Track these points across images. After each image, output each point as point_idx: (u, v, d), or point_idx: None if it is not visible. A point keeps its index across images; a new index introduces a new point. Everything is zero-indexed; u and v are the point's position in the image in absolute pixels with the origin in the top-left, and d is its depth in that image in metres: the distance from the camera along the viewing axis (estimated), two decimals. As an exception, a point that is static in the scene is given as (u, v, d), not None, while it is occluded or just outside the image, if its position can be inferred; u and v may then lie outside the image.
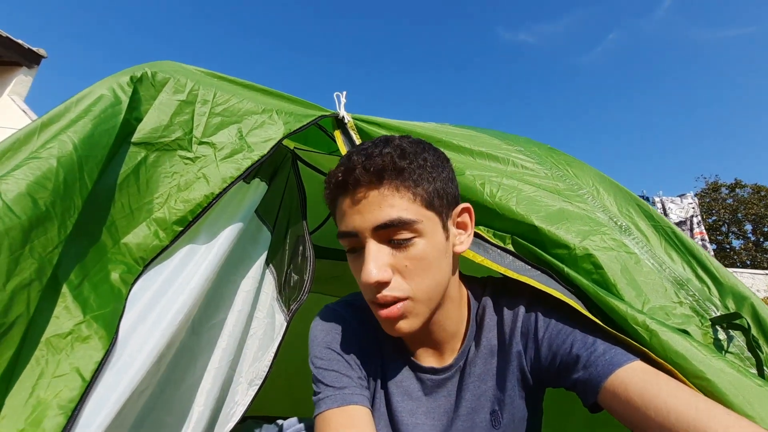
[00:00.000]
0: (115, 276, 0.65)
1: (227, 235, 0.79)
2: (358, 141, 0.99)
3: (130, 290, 0.66)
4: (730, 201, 19.62)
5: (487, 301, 0.72)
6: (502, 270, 0.70)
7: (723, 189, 20.06)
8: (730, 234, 19.98)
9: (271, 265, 0.98)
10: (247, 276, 0.88)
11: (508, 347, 0.68)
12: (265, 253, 0.93)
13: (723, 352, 0.62)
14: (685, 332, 0.62)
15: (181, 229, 0.71)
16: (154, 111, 0.74)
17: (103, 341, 0.60)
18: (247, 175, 0.81)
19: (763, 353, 0.60)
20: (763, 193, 19.14)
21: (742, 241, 19.74)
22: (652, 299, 0.66)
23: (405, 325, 0.61)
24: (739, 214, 18.98)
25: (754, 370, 0.60)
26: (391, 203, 0.58)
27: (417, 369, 0.72)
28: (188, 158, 0.76)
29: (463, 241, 0.66)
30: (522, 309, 0.68)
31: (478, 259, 0.73)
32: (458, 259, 0.70)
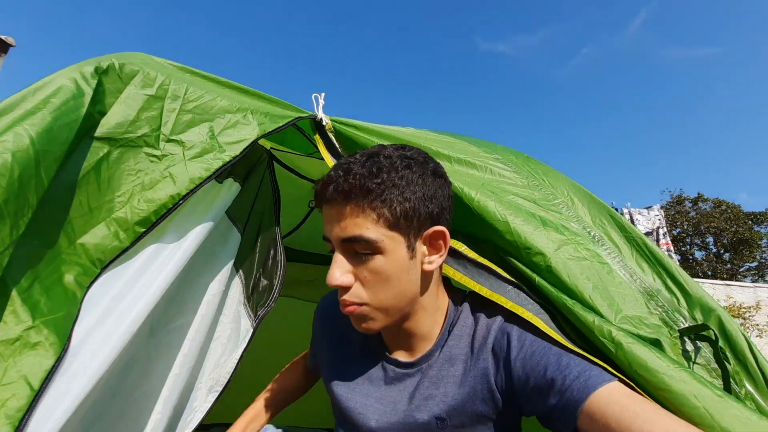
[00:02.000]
0: (69, 278, 0.61)
1: (195, 235, 0.76)
2: (337, 144, 0.98)
3: (85, 293, 0.62)
4: (693, 214, 20.54)
5: (464, 312, 0.74)
6: (477, 288, 0.73)
7: (687, 202, 21.00)
8: (693, 245, 20.91)
9: (239, 268, 0.95)
10: (214, 279, 0.85)
11: (475, 360, 0.68)
12: (234, 255, 0.89)
13: (691, 362, 0.64)
14: (656, 341, 0.63)
15: (143, 230, 0.68)
16: (120, 105, 0.70)
17: (55, 347, 0.56)
18: (218, 176, 0.78)
19: (730, 364, 0.61)
20: (723, 208, 20.14)
21: (704, 253, 20.70)
22: (624, 309, 0.67)
23: (366, 325, 0.68)
24: (702, 227, 19.89)
25: (719, 381, 0.62)
26: (355, 222, 0.63)
27: (384, 358, 0.77)
28: (155, 156, 0.72)
29: (432, 261, 0.68)
30: (496, 325, 0.69)
31: (458, 276, 0.75)
32: (436, 275, 0.73)
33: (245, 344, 0.89)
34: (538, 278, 0.70)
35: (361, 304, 0.65)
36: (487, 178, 0.88)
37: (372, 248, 0.63)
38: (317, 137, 0.99)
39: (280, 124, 0.87)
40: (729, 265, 19.87)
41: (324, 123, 0.99)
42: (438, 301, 0.74)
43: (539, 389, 0.60)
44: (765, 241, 19.52)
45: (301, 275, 1.78)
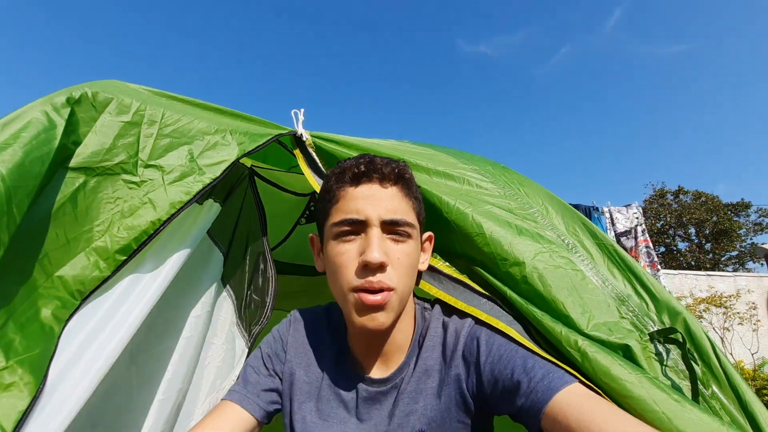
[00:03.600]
0: (46, 313, 0.60)
1: (175, 260, 0.76)
2: (317, 159, 0.99)
3: (64, 327, 0.61)
4: (675, 206, 20.99)
5: (433, 321, 0.75)
6: (452, 302, 0.75)
7: (669, 195, 21.45)
8: (677, 237, 21.36)
9: (229, 287, 0.95)
10: (198, 301, 0.84)
11: (448, 369, 0.70)
12: (218, 275, 0.89)
13: (662, 365, 0.66)
14: (626, 346, 0.66)
15: (124, 258, 0.67)
16: (95, 134, 0.70)
17: (29, 387, 0.55)
18: (199, 199, 0.78)
19: (698, 365, 0.64)
20: (703, 199, 20.61)
21: (687, 244, 21.15)
22: (597, 315, 0.69)
23: (383, 318, 0.65)
24: (684, 218, 20.32)
25: (687, 383, 0.64)
26: (400, 204, 0.68)
27: (357, 379, 0.74)
28: (133, 182, 0.72)
29: (424, 261, 0.75)
30: (465, 330, 0.71)
31: (433, 290, 0.77)
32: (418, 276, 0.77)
33: (242, 364, 0.88)
34: (509, 291, 0.72)
35: (390, 289, 0.65)
36: (465, 189, 0.90)
37: (408, 233, 0.67)
38: (297, 152, 1.00)
39: (260, 143, 0.88)
40: (711, 255, 20.34)
41: (304, 138, 1.00)
42: (412, 308, 0.77)
43: (507, 391, 0.62)
44: (743, 230, 20.05)
45: (288, 288, 1.77)
